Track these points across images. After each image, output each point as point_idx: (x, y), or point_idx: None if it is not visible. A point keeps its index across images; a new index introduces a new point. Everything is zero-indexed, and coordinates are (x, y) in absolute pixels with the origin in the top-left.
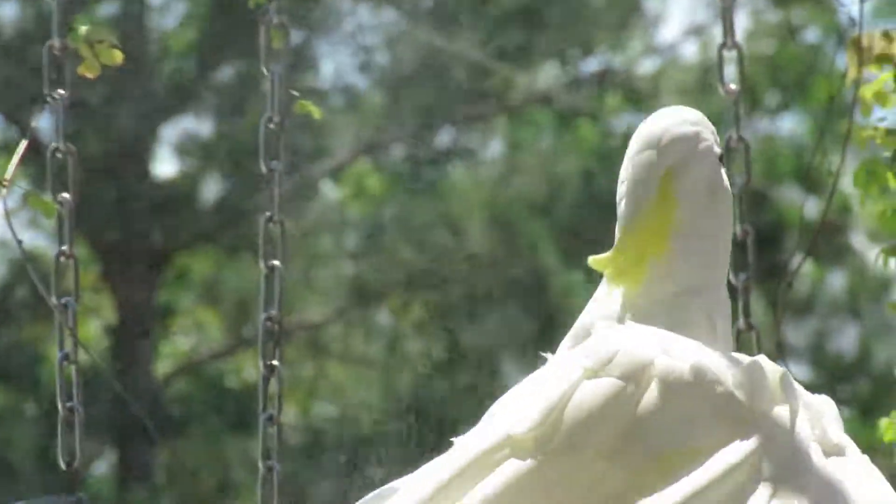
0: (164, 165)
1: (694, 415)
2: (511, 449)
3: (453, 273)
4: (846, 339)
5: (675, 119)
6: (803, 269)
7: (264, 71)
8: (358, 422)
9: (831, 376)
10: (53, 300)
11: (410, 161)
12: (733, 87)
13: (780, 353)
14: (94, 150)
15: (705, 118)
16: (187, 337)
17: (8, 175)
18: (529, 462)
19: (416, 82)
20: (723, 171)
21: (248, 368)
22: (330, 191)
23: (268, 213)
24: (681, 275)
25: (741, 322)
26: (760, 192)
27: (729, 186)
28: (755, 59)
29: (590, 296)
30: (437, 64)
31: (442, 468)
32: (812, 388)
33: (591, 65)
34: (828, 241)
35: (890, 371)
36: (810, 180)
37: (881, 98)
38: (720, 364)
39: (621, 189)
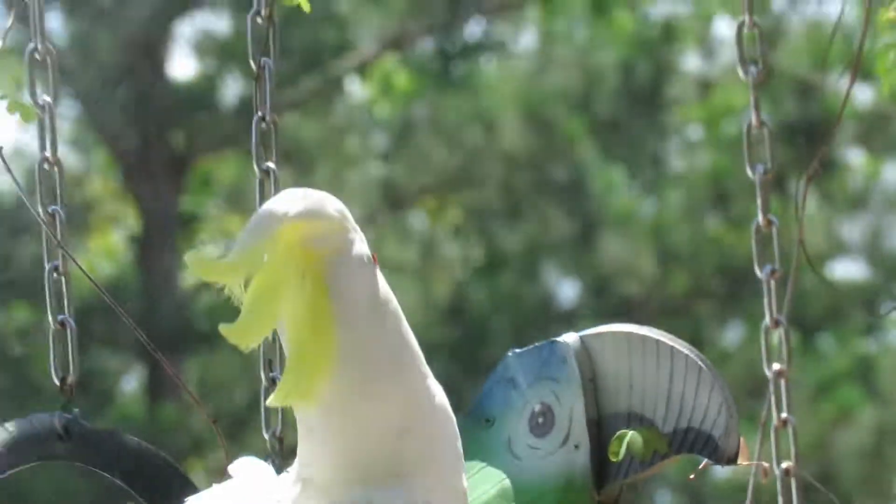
0: (181, 66)
1: None
2: None
3: (489, 173)
4: None
5: (311, 195)
6: (856, 161)
7: None
8: None
9: (889, 274)
10: (39, 209)
11: (440, 55)
12: None
13: (802, 250)
14: (105, 51)
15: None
16: (215, 245)
17: None
18: None
19: None
20: (379, 274)
21: None
22: (356, 89)
23: (259, 113)
24: (357, 441)
25: (760, 218)
26: (808, 81)
27: (390, 293)
28: None
29: (630, 193)
30: None
31: None
32: (869, 286)
33: None
34: (882, 131)
35: None
36: (854, 67)
37: None
38: None
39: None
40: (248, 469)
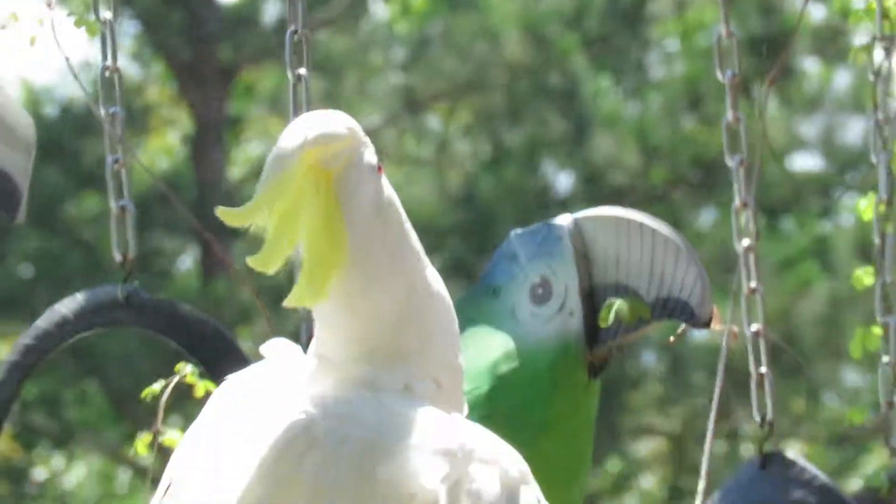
0: None
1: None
2: None
3: (494, 80)
4: (852, 132)
5: (324, 119)
6: (812, 69)
7: None
8: (412, 215)
9: (841, 165)
10: (102, 111)
11: None
12: None
13: (766, 147)
14: None
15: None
16: (258, 143)
17: None
18: None
19: None
20: (385, 181)
21: None
22: (379, 9)
23: (292, 27)
24: (366, 328)
25: (729, 115)
26: (769, 0)
27: (393, 196)
28: None
29: (616, 97)
30: None
31: None
32: (823, 176)
33: None
34: (833, 42)
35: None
36: None
37: None
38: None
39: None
40: (279, 349)
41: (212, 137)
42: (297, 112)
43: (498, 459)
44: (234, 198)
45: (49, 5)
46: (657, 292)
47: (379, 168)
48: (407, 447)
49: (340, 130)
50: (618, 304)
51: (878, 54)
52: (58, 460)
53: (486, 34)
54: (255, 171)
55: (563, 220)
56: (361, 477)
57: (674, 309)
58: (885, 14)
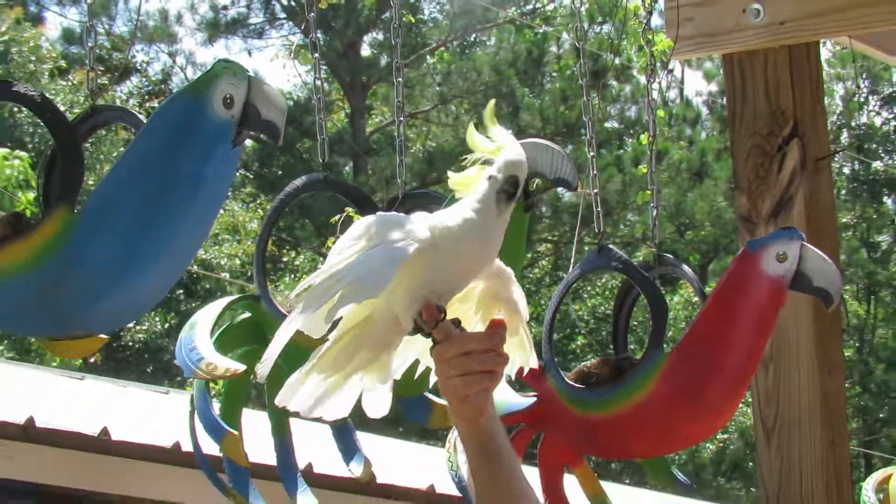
0: (365, 50)
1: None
2: None
3: (479, 89)
4: (631, 111)
5: (516, 148)
6: (616, 84)
7: None
8: (443, 150)
9: (627, 125)
10: (314, 97)
11: (461, 45)
12: None
13: None
14: (337, 44)
15: (524, 157)
16: (378, 117)
17: (292, 48)
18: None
19: None
20: (505, 185)
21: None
22: (429, 59)
23: (395, 61)
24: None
25: (585, 98)
26: (599, 53)
27: (502, 201)
28: None
29: (532, 94)
30: None
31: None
32: (619, 130)
33: None
34: (625, 73)
35: None
36: (617, 48)
37: None
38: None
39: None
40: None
41: (358, 115)
42: (398, 96)
43: (444, 223)
44: (368, 141)
45: (290, 51)
46: (553, 175)
47: (509, 196)
48: (408, 222)
49: (524, 160)
50: (536, 181)
51: (649, 72)
52: (291, 254)
53: (475, 69)
54: (378, 130)
55: None
56: (388, 233)
57: (561, 182)
58: (653, 55)
